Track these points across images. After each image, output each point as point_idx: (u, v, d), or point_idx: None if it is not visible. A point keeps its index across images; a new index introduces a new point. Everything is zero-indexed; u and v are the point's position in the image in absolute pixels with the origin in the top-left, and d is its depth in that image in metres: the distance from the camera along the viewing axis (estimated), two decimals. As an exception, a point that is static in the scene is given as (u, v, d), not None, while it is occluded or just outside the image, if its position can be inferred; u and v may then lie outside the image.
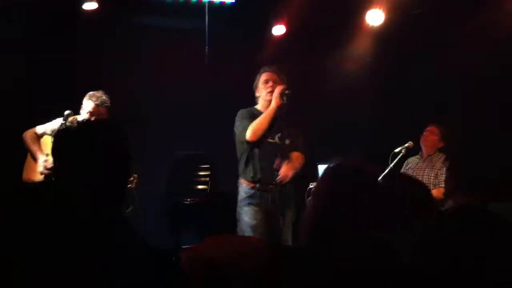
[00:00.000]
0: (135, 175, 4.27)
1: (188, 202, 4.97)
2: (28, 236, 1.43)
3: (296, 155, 4.12)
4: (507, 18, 4.78)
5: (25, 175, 4.24)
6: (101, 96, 4.25)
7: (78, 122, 4.08)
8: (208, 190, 5.10)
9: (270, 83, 4.15)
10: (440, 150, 4.98)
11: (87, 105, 4.23)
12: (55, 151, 1.62)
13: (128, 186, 4.06)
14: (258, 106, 4.24)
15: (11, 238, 1.42)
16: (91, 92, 4.27)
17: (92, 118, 4.16)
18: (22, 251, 1.42)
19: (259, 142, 4.04)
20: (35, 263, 1.39)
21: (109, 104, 4.27)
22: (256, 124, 4.04)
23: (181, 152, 5.65)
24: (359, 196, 1.67)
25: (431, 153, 4.98)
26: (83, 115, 4.23)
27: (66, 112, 4.22)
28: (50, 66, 5.52)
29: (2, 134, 4.95)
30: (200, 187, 5.18)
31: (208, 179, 5.20)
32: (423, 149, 5.03)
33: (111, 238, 1.46)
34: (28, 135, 4.27)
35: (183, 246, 4.92)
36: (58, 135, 1.73)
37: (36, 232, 1.43)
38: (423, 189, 2.35)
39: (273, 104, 4.04)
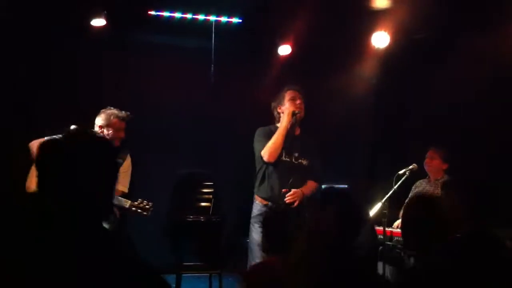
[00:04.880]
0: (150, 203, 4.09)
1: (190, 220, 4.96)
2: (15, 251, 1.40)
3: (310, 184, 4.14)
4: (509, 43, 4.81)
5: (28, 184, 4.20)
6: (119, 111, 4.19)
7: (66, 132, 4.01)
8: (211, 207, 5.09)
9: (298, 101, 4.18)
10: (446, 172, 4.97)
11: (112, 122, 4.15)
12: (39, 161, 1.53)
13: (144, 214, 4.02)
14: (279, 124, 4.23)
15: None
16: (108, 111, 4.19)
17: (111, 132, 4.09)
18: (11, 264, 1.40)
19: (276, 160, 4.07)
20: (21, 277, 1.38)
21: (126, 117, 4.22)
22: (270, 144, 4.08)
23: (185, 170, 5.65)
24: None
25: (438, 177, 4.97)
26: (106, 131, 4.13)
27: (73, 127, 4.21)
28: (56, 82, 5.57)
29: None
30: (203, 204, 5.17)
31: (211, 196, 5.19)
32: (429, 174, 5.03)
33: (93, 253, 1.42)
34: (35, 145, 4.13)
35: (184, 263, 4.91)
36: (44, 145, 1.57)
37: (22, 247, 1.40)
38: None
39: (284, 123, 4.10)
